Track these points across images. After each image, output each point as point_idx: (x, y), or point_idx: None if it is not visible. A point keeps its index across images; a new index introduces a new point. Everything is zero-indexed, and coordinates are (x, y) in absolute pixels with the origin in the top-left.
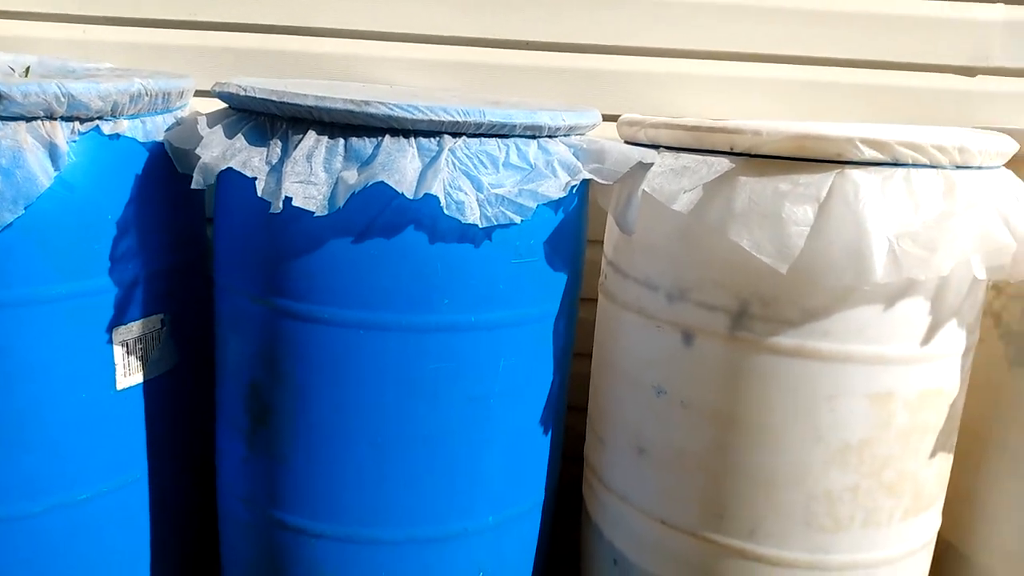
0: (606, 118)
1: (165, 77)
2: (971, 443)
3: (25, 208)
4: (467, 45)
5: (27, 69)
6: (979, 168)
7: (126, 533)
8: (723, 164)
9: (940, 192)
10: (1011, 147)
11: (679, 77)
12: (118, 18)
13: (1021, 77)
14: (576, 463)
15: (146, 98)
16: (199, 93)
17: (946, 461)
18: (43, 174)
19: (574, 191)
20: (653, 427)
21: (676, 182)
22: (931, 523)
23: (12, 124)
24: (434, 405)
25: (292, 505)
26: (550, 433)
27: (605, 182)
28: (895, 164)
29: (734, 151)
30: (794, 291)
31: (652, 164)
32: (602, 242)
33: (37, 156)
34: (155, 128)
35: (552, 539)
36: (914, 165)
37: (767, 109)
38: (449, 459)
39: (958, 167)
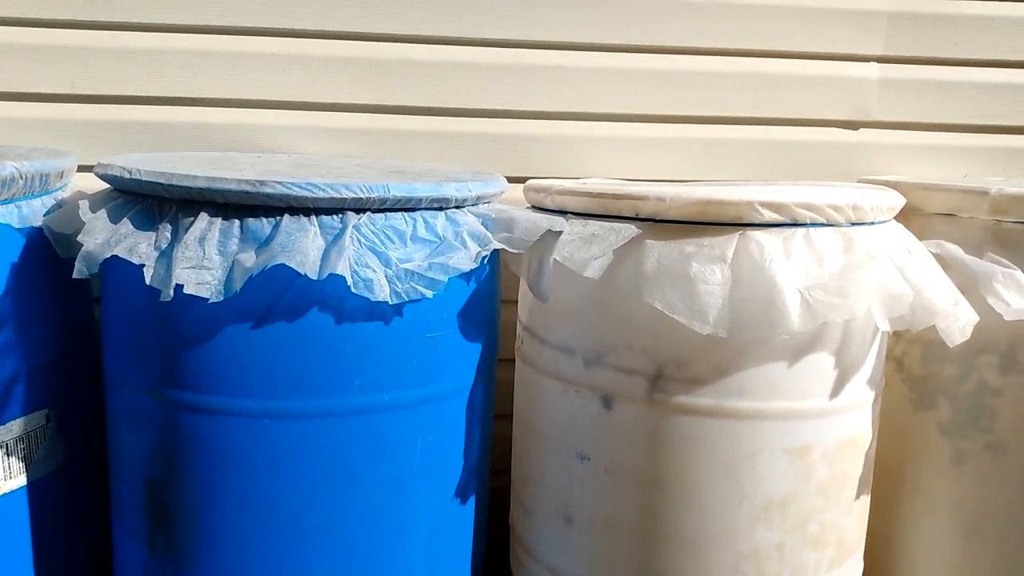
0: (511, 180)
1: (42, 157)
2: (885, 485)
3: None
4: (367, 112)
5: None
6: (872, 224)
7: None
8: (630, 230)
9: (840, 248)
10: (899, 202)
11: (580, 139)
12: None
13: (899, 130)
14: (498, 527)
15: (20, 182)
16: (83, 167)
17: (865, 507)
18: None
19: (485, 261)
20: (578, 494)
21: (586, 250)
22: (855, 570)
23: None
24: (351, 492)
25: None
26: (473, 508)
27: (516, 251)
28: (795, 224)
29: (640, 216)
30: (708, 351)
31: (561, 232)
32: (516, 302)
33: None
34: (32, 212)
35: None
36: (812, 225)
37: (666, 167)
38: (370, 547)
39: (853, 224)
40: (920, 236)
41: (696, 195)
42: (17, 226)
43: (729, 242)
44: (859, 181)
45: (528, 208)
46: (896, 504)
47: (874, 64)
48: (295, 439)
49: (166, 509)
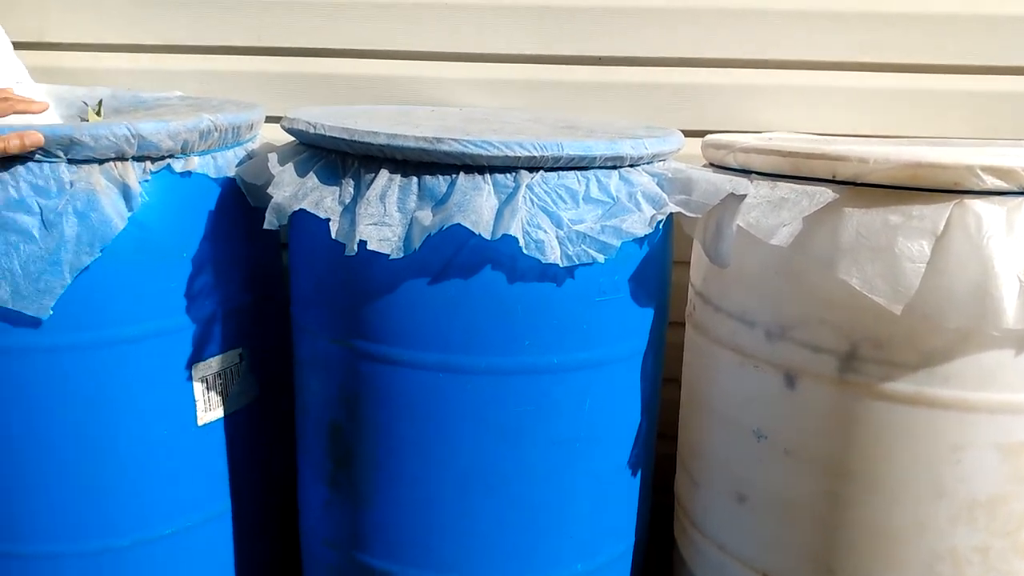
0: (686, 134)
1: (234, 109)
2: None
3: (101, 250)
4: (537, 63)
5: (100, 103)
6: None
7: (209, 567)
8: (825, 194)
9: None
10: None
11: (764, 89)
12: (185, 46)
13: None
14: (662, 492)
15: (216, 134)
16: (270, 119)
17: None
18: (117, 216)
19: (660, 225)
20: (754, 473)
21: (774, 215)
22: None
23: (85, 167)
24: (517, 449)
25: (376, 548)
26: (639, 475)
27: (693, 215)
28: (1022, 193)
29: (837, 179)
30: (911, 333)
31: (745, 195)
32: (687, 263)
33: (111, 198)
34: (226, 163)
35: None
36: None
37: (861, 122)
38: (534, 504)
39: None
40: None
41: (905, 156)
42: (213, 176)
43: (941, 212)
44: None
45: (706, 166)
46: None
47: None
48: (465, 394)
49: (347, 452)
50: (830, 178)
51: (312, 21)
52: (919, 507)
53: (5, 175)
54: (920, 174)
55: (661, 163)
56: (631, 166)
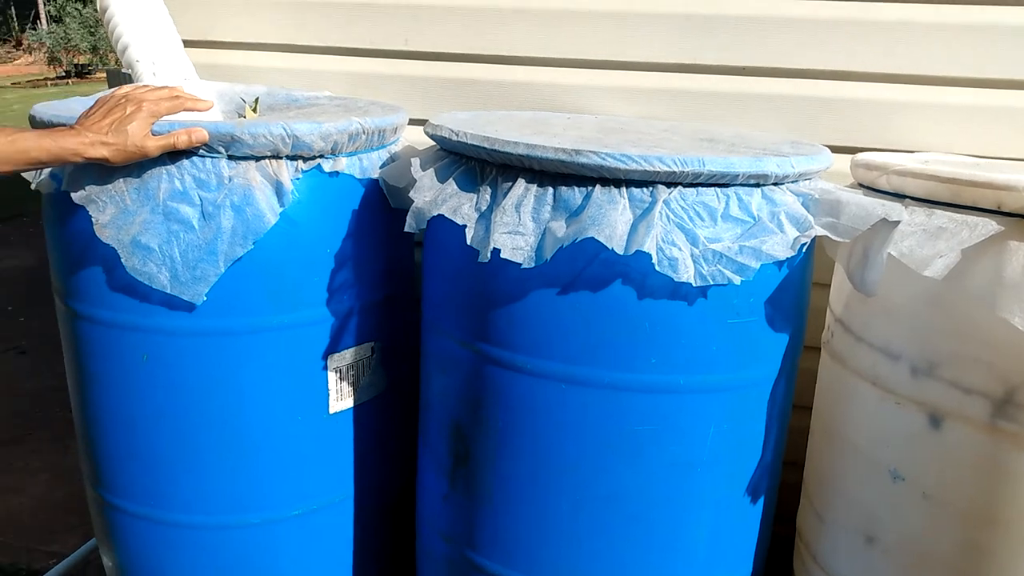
0: (832, 151)
1: (380, 112)
2: None
3: (254, 243)
4: (677, 72)
5: (256, 100)
6: None
7: (330, 550)
8: (989, 226)
9: None
10: None
11: (920, 106)
12: (336, 48)
13: None
14: (782, 521)
15: (363, 136)
16: (412, 121)
17: None
18: (270, 211)
19: (803, 249)
20: (886, 515)
21: (930, 245)
22: None
23: (243, 163)
24: (635, 467)
25: (488, 549)
26: (761, 504)
27: (839, 239)
28: None
29: (1002, 210)
30: None
31: (898, 222)
32: (826, 285)
33: (265, 194)
34: (371, 165)
35: None
36: None
37: None
38: (649, 525)
39: None
40: None
41: None
42: (358, 177)
43: None
44: None
45: (853, 187)
46: None
47: None
48: (586, 406)
49: (467, 451)
50: (995, 209)
51: (455, 27)
52: None
53: (172, 168)
54: None
55: (807, 182)
56: (775, 184)
